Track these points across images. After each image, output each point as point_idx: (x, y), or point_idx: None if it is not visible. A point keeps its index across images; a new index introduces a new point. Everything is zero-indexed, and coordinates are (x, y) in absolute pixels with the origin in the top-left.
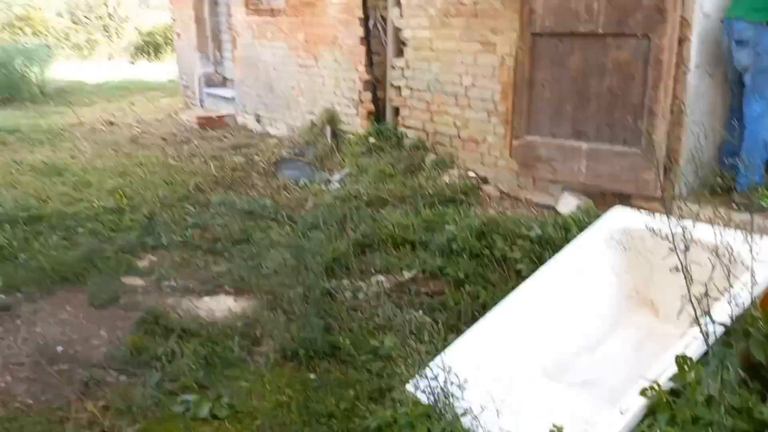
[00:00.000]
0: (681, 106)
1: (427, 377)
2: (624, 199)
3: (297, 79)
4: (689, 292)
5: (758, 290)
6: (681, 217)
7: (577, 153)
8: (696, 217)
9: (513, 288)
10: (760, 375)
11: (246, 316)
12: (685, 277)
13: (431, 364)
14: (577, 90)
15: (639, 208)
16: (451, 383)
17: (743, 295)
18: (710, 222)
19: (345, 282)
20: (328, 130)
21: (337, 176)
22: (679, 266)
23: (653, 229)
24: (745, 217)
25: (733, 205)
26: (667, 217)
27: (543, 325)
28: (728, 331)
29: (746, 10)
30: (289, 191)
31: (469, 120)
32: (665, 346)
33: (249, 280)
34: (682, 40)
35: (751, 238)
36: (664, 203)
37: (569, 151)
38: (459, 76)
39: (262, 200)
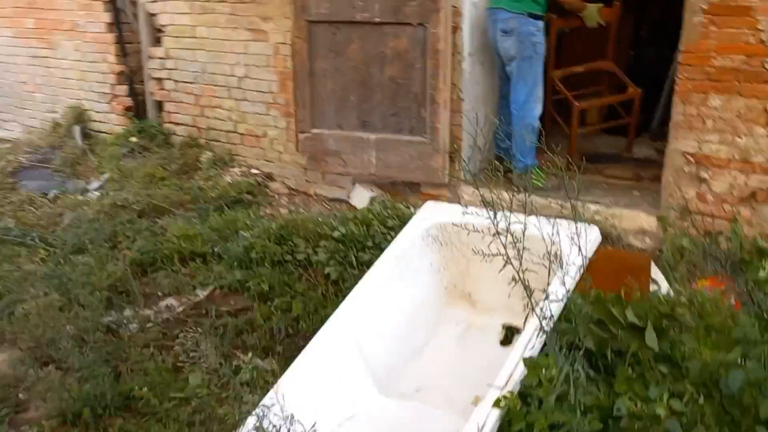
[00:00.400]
0: (459, 94)
1: (258, 417)
2: (414, 188)
3: (30, 72)
4: (528, 293)
5: (573, 276)
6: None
7: (366, 144)
8: (483, 201)
9: (324, 294)
10: (595, 364)
11: (1, 376)
12: (523, 282)
13: (263, 401)
14: (360, 80)
15: (429, 195)
16: (288, 422)
17: (565, 282)
18: (494, 205)
19: (128, 313)
20: (76, 131)
21: (95, 183)
22: (511, 262)
23: (466, 224)
24: (524, 197)
25: (513, 187)
26: (473, 206)
27: (373, 336)
28: (558, 322)
29: (507, 2)
30: (36, 206)
31: (247, 113)
32: (485, 338)
33: None
34: (456, 29)
35: (576, 225)
36: (451, 189)
37: (358, 142)
38: (230, 67)
39: (2, 221)
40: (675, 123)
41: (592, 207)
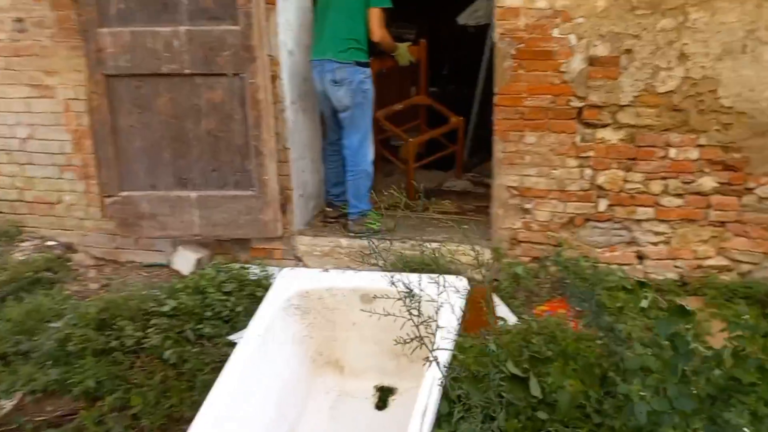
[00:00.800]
0: (285, 143)
1: None
2: (244, 244)
3: None
4: (429, 348)
5: (453, 325)
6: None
7: (187, 203)
8: (316, 250)
9: (164, 382)
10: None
11: None
12: (422, 341)
13: None
14: (173, 135)
15: (261, 250)
16: None
17: (442, 335)
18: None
19: None
20: None
21: None
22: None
23: (332, 288)
24: (362, 242)
25: (350, 234)
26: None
27: (243, 428)
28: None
29: (334, 52)
30: None
31: (34, 178)
32: (360, 405)
33: None
34: (275, 78)
35: (441, 281)
36: (284, 241)
37: (177, 202)
38: (9, 128)
39: None
40: (497, 160)
41: (431, 245)
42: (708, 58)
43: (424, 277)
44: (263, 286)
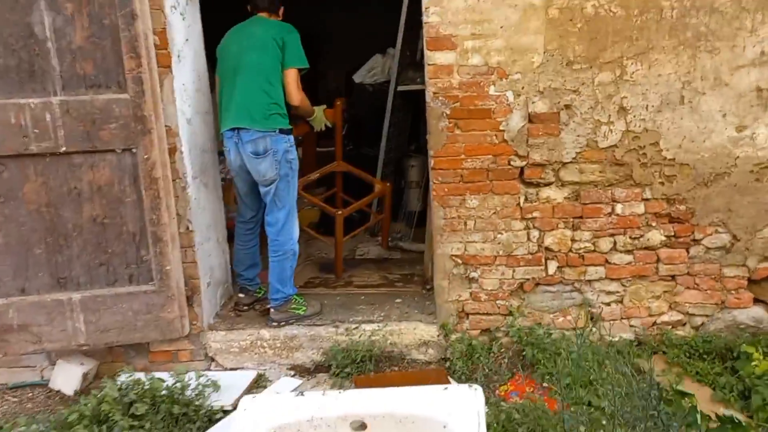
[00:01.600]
0: (188, 225)
1: None
2: (141, 348)
3: None
4: None
5: None
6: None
7: (68, 308)
8: (233, 346)
9: None
10: None
11: None
12: None
13: None
14: (47, 227)
15: (163, 353)
16: None
17: None
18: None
19: None
20: None
21: None
22: None
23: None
24: (288, 331)
25: (272, 323)
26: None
27: None
28: None
29: (251, 120)
30: None
31: None
32: None
33: None
34: (173, 151)
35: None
36: (192, 340)
37: (55, 307)
38: None
39: None
40: (438, 227)
41: (368, 327)
42: (648, 110)
43: (425, 391)
44: (181, 402)
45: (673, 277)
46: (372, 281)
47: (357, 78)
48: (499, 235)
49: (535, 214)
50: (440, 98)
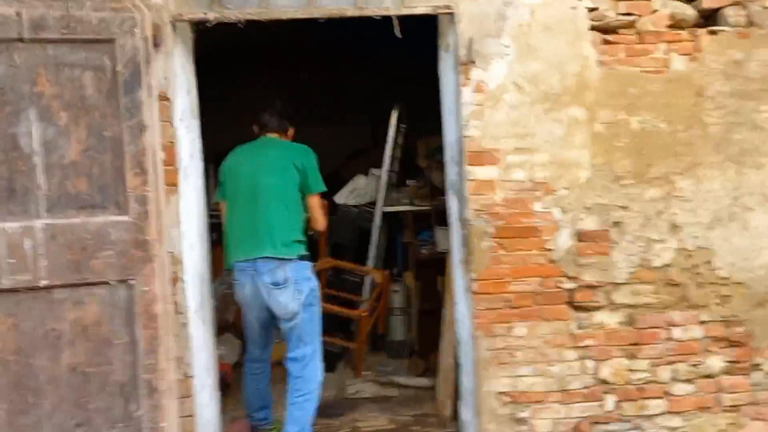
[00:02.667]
0: (186, 371)
1: None
2: None
3: None
4: None
5: None
6: None
7: None
8: None
9: None
10: None
11: None
12: None
13: None
14: (12, 381)
15: None
16: None
17: None
18: None
19: None
20: None
21: None
22: None
23: None
24: None
25: None
26: None
27: None
28: None
29: (272, 248)
30: None
31: None
32: None
33: None
34: (175, 281)
35: None
36: None
37: None
38: None
39: None
40: (483, 360)
41: None
42: (699, 227)
43: None
44: None
45: (736, 408)
46: (381, 425)
47: (339, 199)
48: (551, 368)
49: (588, 342)
50: (483, 216)
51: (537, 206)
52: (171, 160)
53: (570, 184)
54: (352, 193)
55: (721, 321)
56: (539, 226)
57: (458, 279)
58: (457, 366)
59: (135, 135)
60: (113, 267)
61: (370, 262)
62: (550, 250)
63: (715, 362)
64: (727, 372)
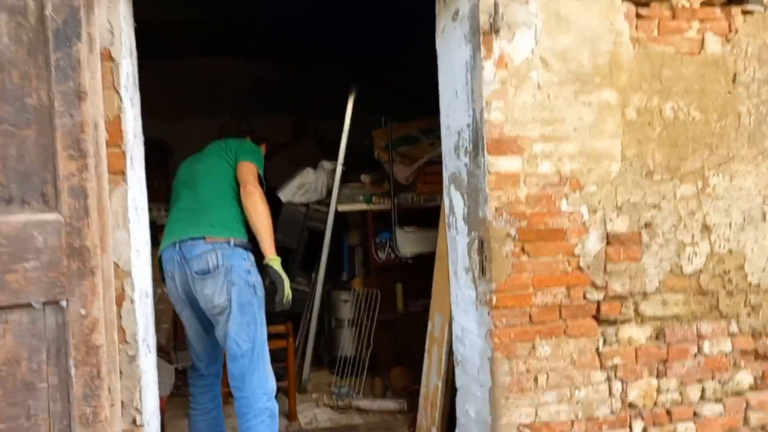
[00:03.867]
0: (135, 418)
1: None
2: None
3: None
4: None
5: None
6: None
7: None
8: None
9: None
10: None
11: None
12: None
13: None
14: None
15: None
16: None
17: None
18: None
19: None
20: None
21: None
22: None
23: None
24: None
25: None
26: None
27: None
28: None
29: (196, 228)
30: None
31: None
32: None
33: None
34: (120, 299)
35: None
36: None
37: None
38: None
39: None
40: (502, 386)
41: None
42: (731, 228)
43: None
44: None
45: (764, 429)
46: None
47: (284, 196)
48: (576, 392)
49: (616, 361)
50: (504, 215)
51: (564, 204)
52: (116, 140)
53: (600, 179)
54: (300, 189)
55: (750, 332)
56: (566, 227)
57: (464, 290)
58: (447, 390)
59: (70, 104)
60: (38, 284)
61: (321, 269)
62: (577, 255)
63: (745, 377)
64: (754, 388)
